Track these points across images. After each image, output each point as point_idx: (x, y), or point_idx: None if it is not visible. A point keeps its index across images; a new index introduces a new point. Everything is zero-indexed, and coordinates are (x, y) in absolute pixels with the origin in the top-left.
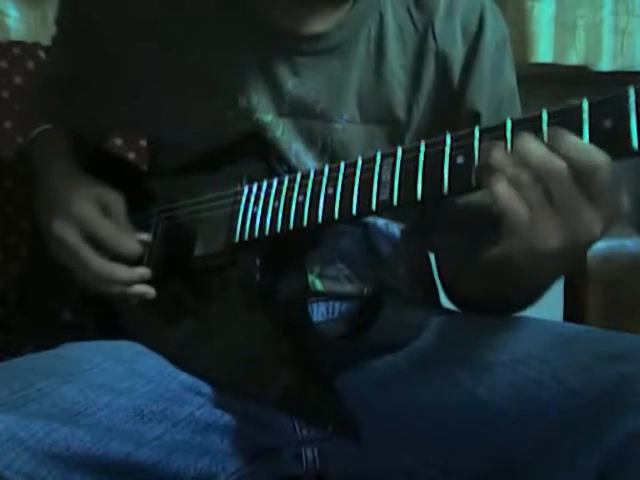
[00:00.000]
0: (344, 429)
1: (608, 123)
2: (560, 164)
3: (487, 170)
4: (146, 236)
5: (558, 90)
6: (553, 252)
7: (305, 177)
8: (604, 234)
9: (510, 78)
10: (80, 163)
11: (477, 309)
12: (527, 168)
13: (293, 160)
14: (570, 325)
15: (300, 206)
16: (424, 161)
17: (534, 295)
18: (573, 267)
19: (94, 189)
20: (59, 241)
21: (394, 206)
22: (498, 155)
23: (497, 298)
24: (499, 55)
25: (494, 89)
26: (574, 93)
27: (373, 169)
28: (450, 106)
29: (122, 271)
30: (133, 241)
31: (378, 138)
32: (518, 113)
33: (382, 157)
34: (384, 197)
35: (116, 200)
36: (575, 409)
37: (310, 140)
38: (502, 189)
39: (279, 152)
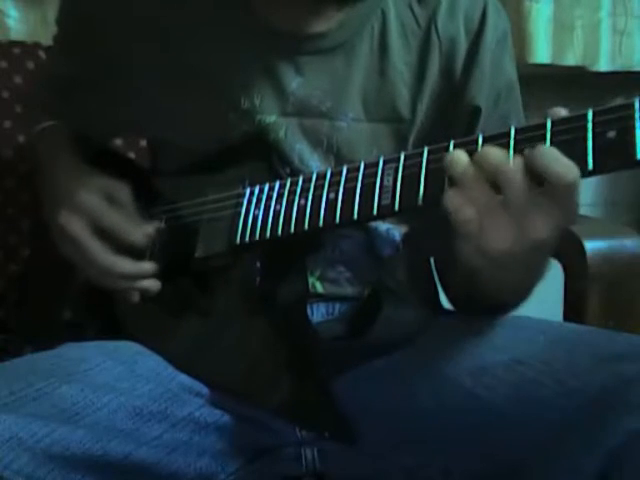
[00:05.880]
0: (340, 434)
1: (612, 134)
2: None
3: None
4: (153, 226)
5: (556, 91)
6: (502, 253)
7: (307, 181)
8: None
9: (509, 73)
10: (84, 159)
11: (470, 310)
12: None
13: (296, 161)
14: (570, 325)
15: (302, 210)
16: (426, 166)
17: (514, 295)
18: (538, 267)
19: (99, 180)
20: (64, 233)
21: (396, 211)
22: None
23: (478, 298)
24: (499, 51)
25: (493, 84)
26: (572, 94)
27: (375, 174)
28: (452, 102)
29: (127, 265)
30: (141, 230)
31: (383, 136)
32: (518, 108)
33: (384, 162)
34: (386, 202)
35: (122, 190)
36: (575, 409)
37: (315, 140)
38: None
39: (281, 153)
